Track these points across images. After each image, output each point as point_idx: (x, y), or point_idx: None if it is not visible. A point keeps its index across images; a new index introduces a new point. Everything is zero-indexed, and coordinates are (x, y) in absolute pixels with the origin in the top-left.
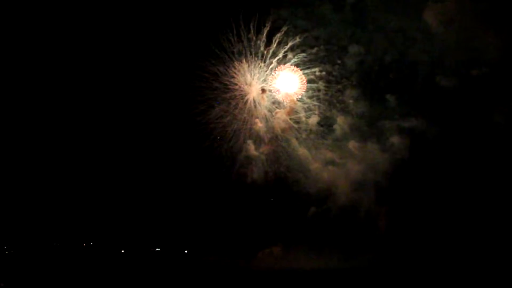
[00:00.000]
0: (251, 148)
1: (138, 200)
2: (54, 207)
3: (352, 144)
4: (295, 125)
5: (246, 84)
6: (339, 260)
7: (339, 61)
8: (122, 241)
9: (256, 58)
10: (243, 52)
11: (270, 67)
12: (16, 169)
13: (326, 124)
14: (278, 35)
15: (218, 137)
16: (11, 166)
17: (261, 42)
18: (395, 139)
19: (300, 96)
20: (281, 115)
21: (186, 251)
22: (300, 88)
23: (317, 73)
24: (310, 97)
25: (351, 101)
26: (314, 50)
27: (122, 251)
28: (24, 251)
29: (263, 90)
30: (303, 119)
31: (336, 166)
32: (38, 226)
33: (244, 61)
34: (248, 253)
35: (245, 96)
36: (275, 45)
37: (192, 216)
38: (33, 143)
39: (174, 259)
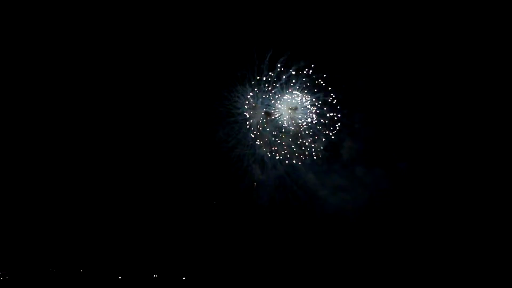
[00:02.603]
0: (255, 173)
1: (135, 226)
2: (50, 231)
3: (359, 170)
4: (300, 150)
5: (250, 108)
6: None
7: (346, 84)
8: (120, 267)
9: (259, 82)
10: (246, 75)
11: (274, 90)
12: (10, 194)
13: (332, 149)
14: (282, 58)
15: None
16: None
17: (264, 66)
18: (404, 165)
19: (305, 120)
20: (285, 139)
21: (184, 278)
22: (305, 112)
23: (323, 97)
24: (315, 121)
25: (357, 126)
26: (321, 72)
27: (120, 277)
28: (20, 276)
29: (267, 114)
30: (309, 144)
31: (344, 192)
32: (35, 251)
33: (247, 84)
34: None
35: (249, 120)
36: (279, 68)
37: (190, 242)
38: (31, 160)
39: (171, 286)
